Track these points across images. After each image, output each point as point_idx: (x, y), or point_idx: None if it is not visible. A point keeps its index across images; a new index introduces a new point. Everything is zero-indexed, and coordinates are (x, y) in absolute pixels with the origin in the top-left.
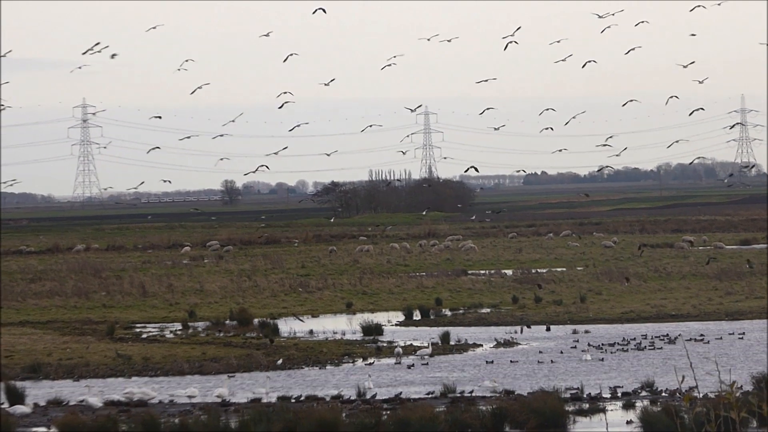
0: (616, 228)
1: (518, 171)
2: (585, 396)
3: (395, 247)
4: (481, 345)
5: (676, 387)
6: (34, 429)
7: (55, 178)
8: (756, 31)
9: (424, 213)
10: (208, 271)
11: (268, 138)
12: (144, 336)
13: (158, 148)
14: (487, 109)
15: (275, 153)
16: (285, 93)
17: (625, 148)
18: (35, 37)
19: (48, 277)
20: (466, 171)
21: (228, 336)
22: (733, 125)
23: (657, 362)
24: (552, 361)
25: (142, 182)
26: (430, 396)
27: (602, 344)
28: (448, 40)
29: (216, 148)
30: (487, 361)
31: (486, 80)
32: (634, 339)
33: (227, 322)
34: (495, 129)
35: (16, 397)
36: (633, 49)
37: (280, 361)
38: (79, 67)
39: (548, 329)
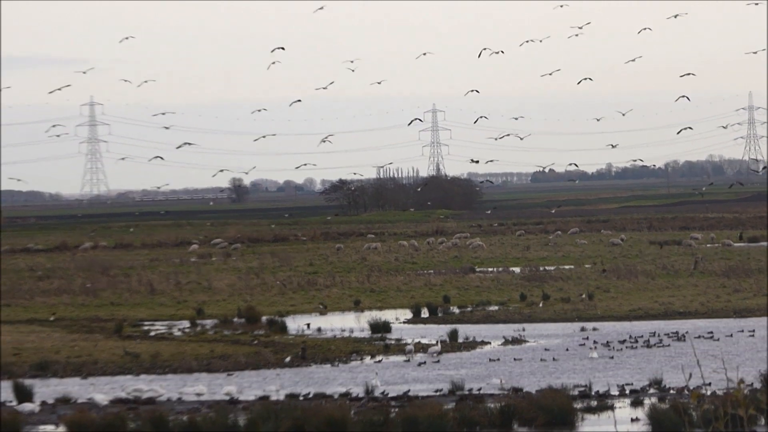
0: (623, 225)
1: (570, 165)
2: (593, 393)
3: (403, 244)
4: (489, 342)
5: (684, 384)
6: (43, 427)
7: (60, 177)
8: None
9: (428, 203)
10: (216, 268)
11: (279, 137)
12: (152, 334)
13: (161, 158)
14: (480, 117)
15: (323, 141)
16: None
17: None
18: (39, 36)
19: (56, 275)
20: (474, 161)
21: (236, 334)
22: (732, 125)
23: (665, 359)
24: (555, 359)
25: (167, 183)
26: (438, 393)
27: (610, 341)
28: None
29: (222, 145)
30: (495, 359)
31: (550, 73)
32: (642, 336)
33: (235, 319)
34: (495, 139)
35: (24, 395)
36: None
37: (288, 359)
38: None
39: (555, 326)
